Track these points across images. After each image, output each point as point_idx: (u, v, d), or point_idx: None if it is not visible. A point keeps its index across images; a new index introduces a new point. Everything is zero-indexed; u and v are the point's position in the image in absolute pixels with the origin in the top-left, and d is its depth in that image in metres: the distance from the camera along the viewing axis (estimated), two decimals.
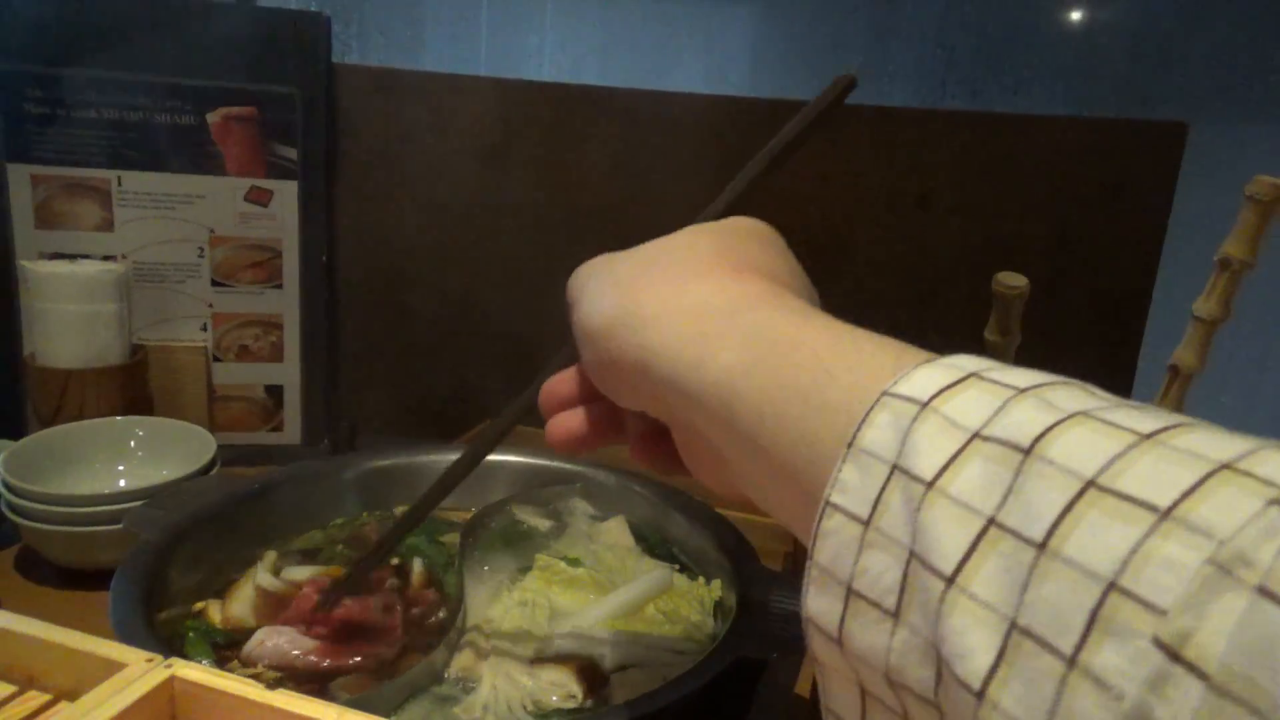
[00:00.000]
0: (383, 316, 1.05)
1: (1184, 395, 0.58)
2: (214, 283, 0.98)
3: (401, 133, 0.99)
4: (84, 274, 0.87)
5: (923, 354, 0.27)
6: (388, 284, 1.03)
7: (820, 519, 0.25)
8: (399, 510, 0.75)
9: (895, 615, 0.23)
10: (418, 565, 0.66)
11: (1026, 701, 0.20)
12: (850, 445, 0.25)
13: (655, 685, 0.53)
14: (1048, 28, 1.11)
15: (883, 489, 0.24)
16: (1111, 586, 0.19)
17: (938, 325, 0.89)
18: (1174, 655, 0.18)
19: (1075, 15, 1.10)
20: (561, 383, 0.40)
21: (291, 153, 0.96)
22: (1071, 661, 0.19)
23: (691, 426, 0.33)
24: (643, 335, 0.33)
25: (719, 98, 0.98)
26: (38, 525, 0.70)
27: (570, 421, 0.40)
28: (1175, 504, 0.19)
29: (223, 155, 0.95)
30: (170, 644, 0.56)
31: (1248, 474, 0.19)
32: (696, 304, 0.33)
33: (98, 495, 0.71)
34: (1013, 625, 0.20)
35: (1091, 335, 0.84)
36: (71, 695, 0.41)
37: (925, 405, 0.24)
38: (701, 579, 0.67)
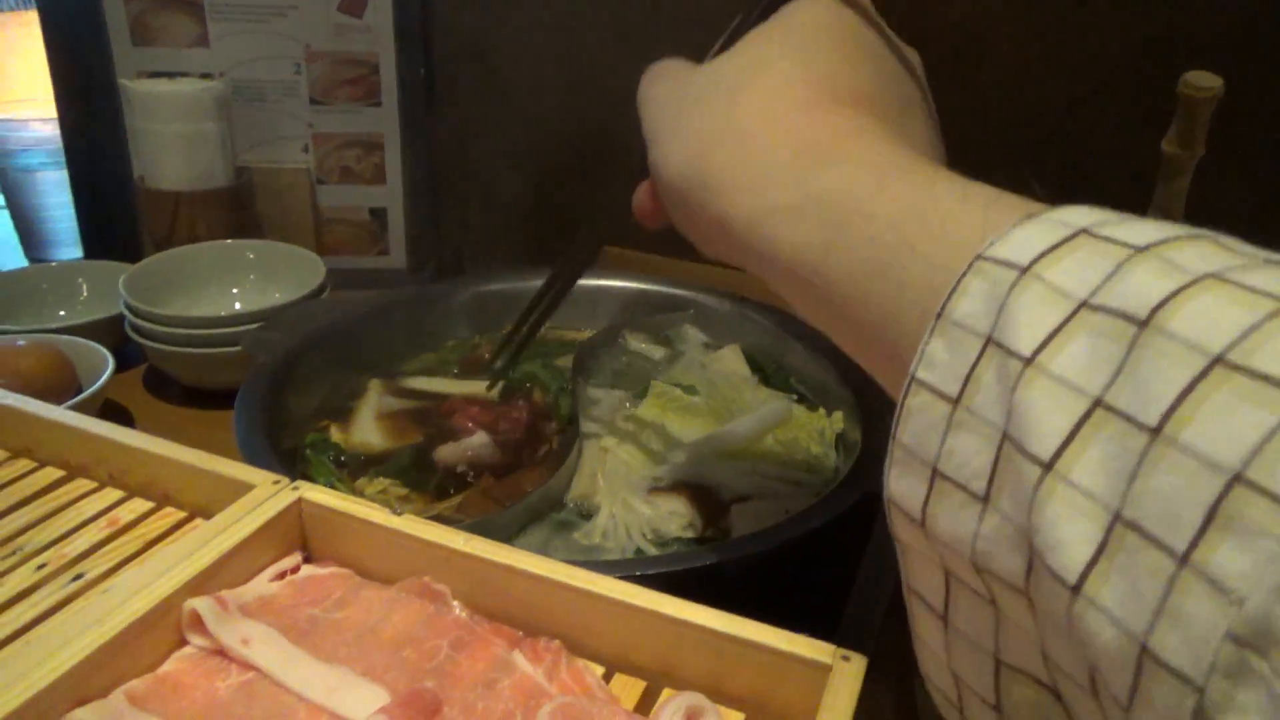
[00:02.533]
0: (484, 134, 1.01)
1: None
2: (312, 101, 0.95)
3: None
4: (184, 93, 0.85)
5: (1018, 205, 0.24)
6: (488, 98, 0.99)
7: (905, 395, 0.23)
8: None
9: (984, 500, 0.22)
10: (535, 392, 0.65)
11: (1128, 599, 0.18)
12: (939, 316, 0.23)
13: (775, 517, 0.52)
14: None
15: (974, 365, 0.22)
16: (1237, 478, 0.16)
17: (1088, 141, 0.80)
18: None
19: None
20: (651, 196, 0.38)
21: None
22: (1184, 559, 0.17)
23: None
24: (717, 203, 0.31)
25: None
26: (160, 346, 0.72)
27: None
28: None
29: None
30: (294, 463, 0.57)
31: None
32: (767, 167, 0.30)
33: (215, 318, 0.72)
34: (1117, 517, 0.18)
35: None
36: (205, 513, 0.42)
37: (1025, 270, 0.21)
38: (821, 410, 0.64)
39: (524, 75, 0.97)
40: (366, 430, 0.61)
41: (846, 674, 0.31)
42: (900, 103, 0.33)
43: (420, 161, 0.99)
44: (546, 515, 0.53)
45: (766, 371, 0.69)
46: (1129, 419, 0.19)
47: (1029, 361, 0.20)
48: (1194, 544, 0.17)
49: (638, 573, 0.41)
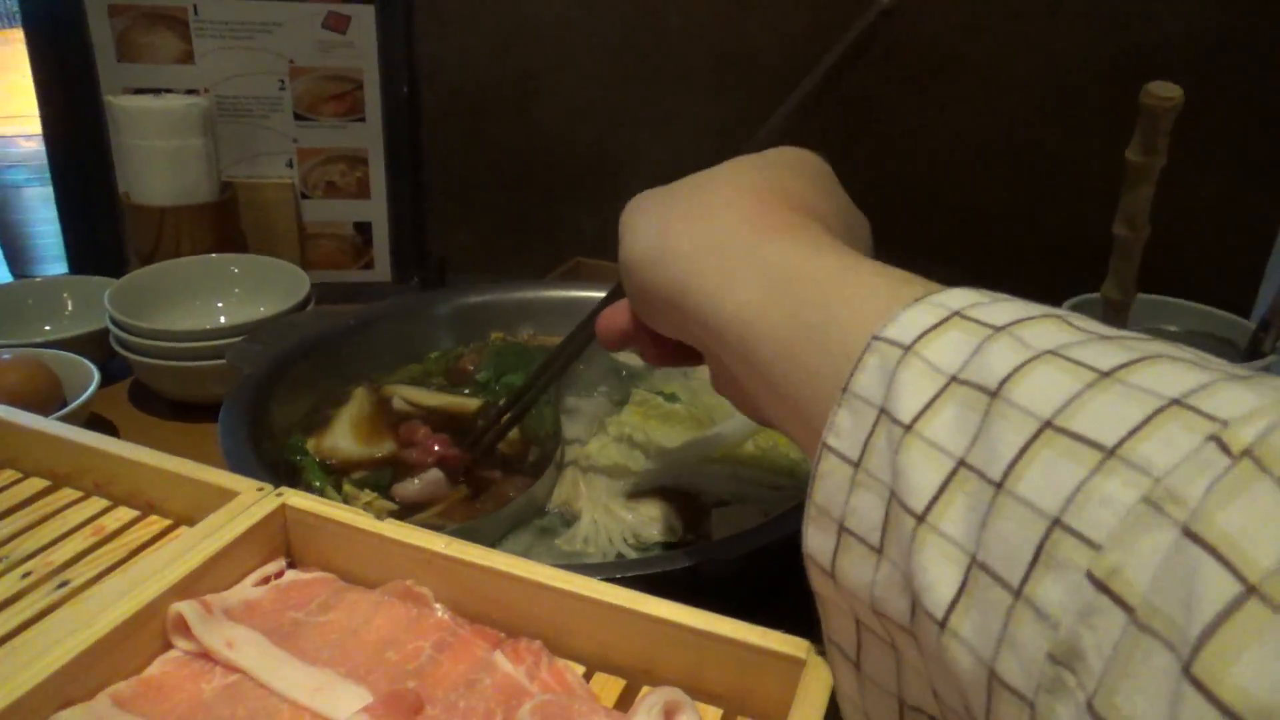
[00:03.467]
0: (468, 149, 1.02)
1: None
2: (297, 117, 0.96)
3: None
4: (169, 108, 0.86)
5: (920, 286, 0.27)
6: (472, 114, 1.00)
7: (818, 461, 0.26)
8: (494, 337, 0.75)
9: (879, 551, 0.25)
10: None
11: (980, 631, 0.21)
12: (845, 390, 0.26)
13: (755, 520, 0.52)
14: None
15: (871, 433, 0.25)
16: (1056, 523, 0.20)
17: (1065, 146, 0.82)
18: (1103, 588, 0.18)
19: None
20: (617, 313, 0.42)
21: None
22: (1018, 593, 0.20)
23: (718, 357, 0.34)
24: (674, 269, 0.34)
25: None
26: (145, 360, 0.72)
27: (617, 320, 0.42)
28: (1121, 442, 0.19)
29: None
30: (279, 473, 0.57)
31: (1194, 409, 0.19)
32: (722, 237, 0.33)
33: (199, 331, 0.72)
34: (973, 560, 0.21)
35: (1244, 157, 0.76)
36: (189, 520, 0.42)
37: (908, 349, 0.25)
38: None
39: (506, 90, 0.98)
40: (348, 442, 0.62)
41: (820, 668, 0.32)
42: (849, 232, 0.36)
43: (404, 176, 1.00)
44: (529, 521, 0.53)
45: None
46: (982, 475, 0.22)
47: (908, 428, 0.24)
48: (1025, 580, 0.20)
49: (618, 575, 0.41)
